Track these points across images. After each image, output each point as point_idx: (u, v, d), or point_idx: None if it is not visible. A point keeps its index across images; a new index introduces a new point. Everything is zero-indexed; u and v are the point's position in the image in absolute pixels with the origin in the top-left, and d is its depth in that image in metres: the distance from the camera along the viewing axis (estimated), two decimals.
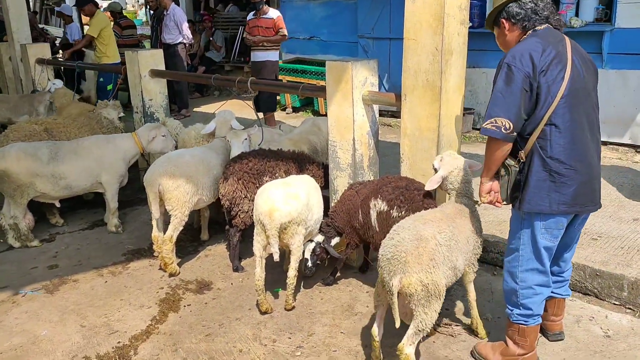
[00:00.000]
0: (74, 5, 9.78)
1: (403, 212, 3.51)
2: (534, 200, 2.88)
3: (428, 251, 2.82)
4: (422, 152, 3.75)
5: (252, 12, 8.11)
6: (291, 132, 5.49)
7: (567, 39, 2.97)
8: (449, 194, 3.38)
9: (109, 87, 8.34)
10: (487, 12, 7.13)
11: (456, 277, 3.08)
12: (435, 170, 3.40)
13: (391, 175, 3.91)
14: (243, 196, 4.20)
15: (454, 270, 3.01)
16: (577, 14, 6.65)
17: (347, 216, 3.95)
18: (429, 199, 3.56)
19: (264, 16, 7.95)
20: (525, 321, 3.10)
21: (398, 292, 2.82)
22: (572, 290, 3.93)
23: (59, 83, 7.77)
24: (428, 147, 3.71)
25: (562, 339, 3.39)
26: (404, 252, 2.79)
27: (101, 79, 8.64)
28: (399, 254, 2.80)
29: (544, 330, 3.39)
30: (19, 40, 8.28)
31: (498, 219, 4.62)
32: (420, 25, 3.52)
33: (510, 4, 2.98)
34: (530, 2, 2.95)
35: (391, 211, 3.59)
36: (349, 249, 4.12)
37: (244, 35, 8.63)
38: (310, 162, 4.60)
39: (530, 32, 2.96)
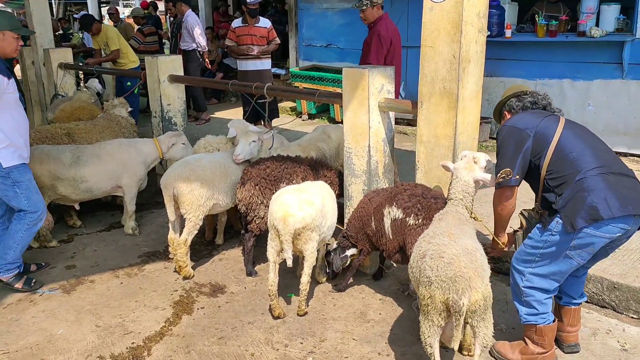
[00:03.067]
0: (80, 29, 9.94)
1: (420, 220, 3.51)
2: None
3: (480, 264, 2.78)
4: (437, 159, 3.75)
5: (240, 20, 8.01)
6: (301, 139, 5.50)
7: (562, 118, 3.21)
8: (450, 199, 3.33)
9: (136, 90, 8.47)
10: (506, 21, 7.18)
11: None
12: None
13: (406, 183, 3.91)
14: (259, 202, 4.22)
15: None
16: (597, 24, 6.60)
17: (359, 223, 3.96)
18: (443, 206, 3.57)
19: (257, 25, 7.86)
20: (535, 321, 3.15)
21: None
22: (589, 302, 3.89)
23: (97, 83, 8.02)
24: (444, 154, 3.70)
25: (578, 351, 3.35)
26: (464, 269, 2.69)
27: (128, 83, 8.76)
28: (461, 270, 2.68)
29: (559, 342, 3.36)
30: (42, 44, 8.41)
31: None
32: (438, 32, 3.53)
33: (511, 99, 3.38)
34: (529, 96, 3.34)
35: (407, 219, 3.58)
36: (362, 256, 4.11)
37: (227, 44, 8.38)
38: (328, 169, 4.61)
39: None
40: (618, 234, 2.91)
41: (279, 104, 10.66)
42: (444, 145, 3.68)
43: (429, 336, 2.83)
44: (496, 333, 3.52)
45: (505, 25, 7.14)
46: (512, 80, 7.42)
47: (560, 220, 2.94)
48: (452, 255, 2.75)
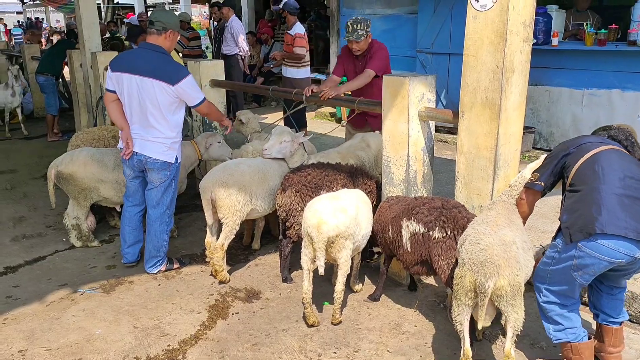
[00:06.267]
0: (126, 38, 10.18)
1: (449, 232, 3.46)
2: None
3: (513, 255, 2.89)
4: (478, 171, 3.67)
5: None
6: (340, 146, 5.48)
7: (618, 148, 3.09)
8: (510, 187, 3.43)
9: None
10: (553, 29, 7.00)
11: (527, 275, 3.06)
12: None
13: (423, 197, 3.90)
14: (300, 208, 4.20)
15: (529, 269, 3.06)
16: None
17: (379, 227, 3.96)
18: (470, 213, 3.54)
19: (288, 31, 7.77)
20: (565, 337, 3.06)
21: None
22: (636, 322, 3.74)
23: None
24: (485, 165, 3.62)
25: None
26: (495, 256, 2.86)
27: None
28: (492, 257, 2.85)
29: None
30: (90, 48, 8.66)
31: None
32: (482, 42, 3.45)
33: (601, 132, 3.31)
34: (621, 133, 3.22)
35: (431, 233, 3.52)
36: (387, 262, 4.08)
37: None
38: (368, 177, 4.57)
39: None
40: (621, 260, 2.78)
41: (319, 109, 10.70)
42: (485, 157, 3.60)
43: (458, 314, 3.03)
44: (537, 351, 3.44)
45: (552, 33, 6.97)
46: (558, 89, 7.24)
47: (562, 235, 2.90)
48: (487, 243, 2.91)
